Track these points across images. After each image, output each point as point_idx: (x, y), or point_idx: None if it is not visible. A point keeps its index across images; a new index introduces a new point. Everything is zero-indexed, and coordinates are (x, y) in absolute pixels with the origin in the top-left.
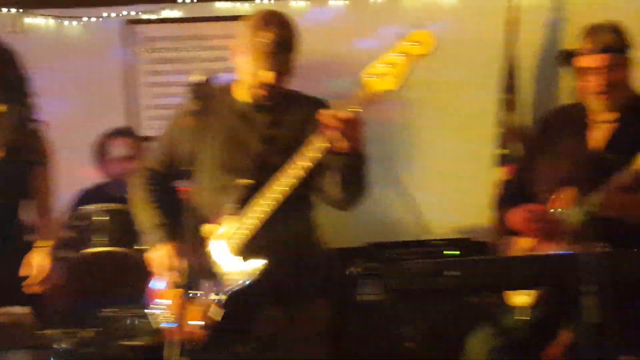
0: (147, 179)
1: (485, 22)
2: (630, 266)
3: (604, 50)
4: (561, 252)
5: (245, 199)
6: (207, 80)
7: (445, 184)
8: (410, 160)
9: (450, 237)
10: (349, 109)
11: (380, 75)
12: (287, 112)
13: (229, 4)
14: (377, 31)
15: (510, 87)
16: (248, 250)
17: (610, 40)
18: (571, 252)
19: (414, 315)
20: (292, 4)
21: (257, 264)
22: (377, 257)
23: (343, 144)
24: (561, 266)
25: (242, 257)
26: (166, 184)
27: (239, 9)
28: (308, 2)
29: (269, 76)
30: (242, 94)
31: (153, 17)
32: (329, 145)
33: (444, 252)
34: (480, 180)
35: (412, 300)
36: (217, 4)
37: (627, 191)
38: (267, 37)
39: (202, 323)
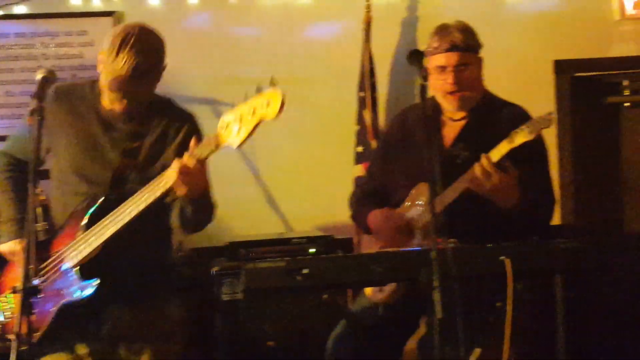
0: (6, 165)
1: (342, 20)
2: (478, 261)
3: (452, 49)
4: (412, 248)
5: (98, 212)
6: (51, 78)
7: (307, 181)
8: (273, 158)
9: (313, 234)
10: (192, 157)
11: (228, 129)
12: (151, 124)
13: (80, 1)
14: (233, 31)
15: (367, 85)
16: (90, 264)
17: (458, 39)
18: (421, 248)
19: (275, 313)
20: (148, 3)
21: (92, 283)
22: (237, 256)
23: (181, 189)
24: (413, 262)
25: (81, 272)
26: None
27: (93, 6)
28: (163, 2)
29: (120, 103)
30: (107, 100)
31: (1, 12)
32: (171, 185)
33: (309, 250)
34: (342, 178)
35: (273, 298)
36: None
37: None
38: (120, 63)
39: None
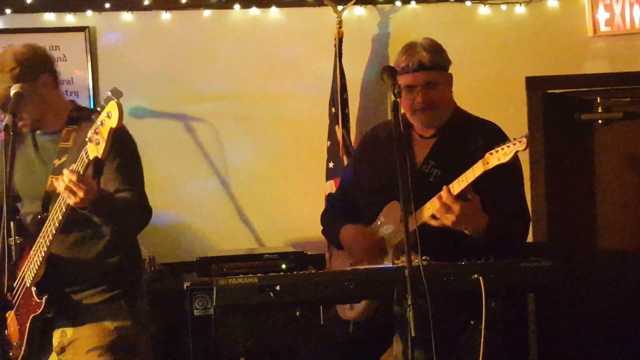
0: None
1: (313, 36)
2: (452, 279)
3: (420, 69)
4: (385, 266)
5: (37, 231)
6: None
7: (279, 196)
8: (245, 173)
9: (285, 250)
10: (72, 172)
11: (92, 141)
12: (71, 139)
13: (54, 16)
14: (206, 48)
15: (338, 101)
16: (45, 280)
17: (426, 58)
18: (394, 266)
19: (247, 329)
20: (121, 19)
21: (42, 298)
22: (209, 271)
23: (72, 199)
24: (386, 280)
25: (38, 288)
26: None
27: (66, 21)
28: (137, 15)
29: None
30: None
31: None
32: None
33: (281, 265)
34: (314, 193)
35: (245, 314)
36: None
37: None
38: None
39: None
